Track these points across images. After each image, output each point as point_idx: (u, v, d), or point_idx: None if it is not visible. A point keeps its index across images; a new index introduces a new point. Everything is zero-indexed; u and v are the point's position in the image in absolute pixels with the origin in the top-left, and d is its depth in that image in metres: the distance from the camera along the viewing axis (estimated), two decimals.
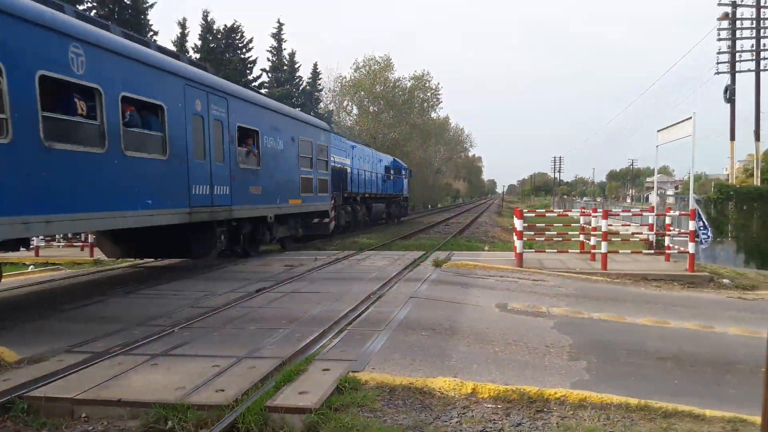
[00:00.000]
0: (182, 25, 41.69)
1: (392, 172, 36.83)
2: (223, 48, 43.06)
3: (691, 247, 11.93)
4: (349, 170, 26.27)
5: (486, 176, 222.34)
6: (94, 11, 29.80)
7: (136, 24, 30.72)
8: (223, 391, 4.79)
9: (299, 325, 7.19)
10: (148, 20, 33.15)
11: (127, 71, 9.24)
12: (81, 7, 28.54)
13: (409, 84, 71.49)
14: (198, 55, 40.95)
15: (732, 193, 21.98)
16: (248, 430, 4.16)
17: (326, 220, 20.13)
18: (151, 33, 33.04)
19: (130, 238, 11.70)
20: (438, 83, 75.46)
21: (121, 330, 7.07)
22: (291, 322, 7.35)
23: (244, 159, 13.45)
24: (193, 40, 42.42)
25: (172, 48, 39.81)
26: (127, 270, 13.41)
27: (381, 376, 5.23)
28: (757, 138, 32.09)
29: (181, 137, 10.71)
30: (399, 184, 38.12)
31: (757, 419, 4.18)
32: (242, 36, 44.39)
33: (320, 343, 6.36)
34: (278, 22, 51.84)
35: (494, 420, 4.48)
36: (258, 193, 14.05)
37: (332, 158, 21.49)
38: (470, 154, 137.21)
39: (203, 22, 42.43)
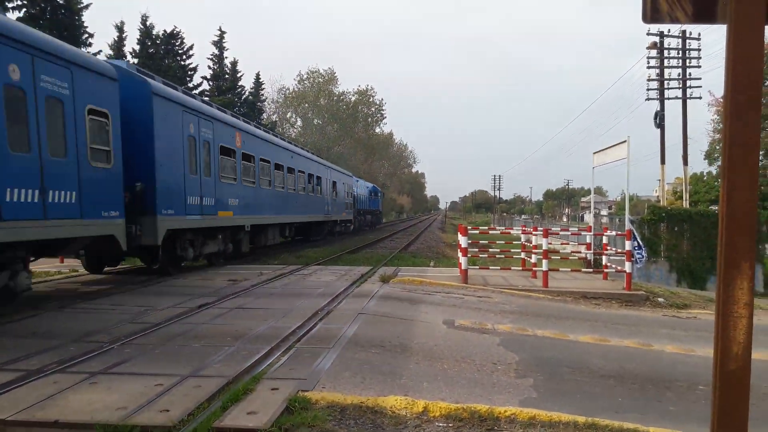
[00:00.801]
0: (120, 29, 40.48)
1: (373, 194, 53.52)
2: (162, 54, 41.99)
3: (627, 267, 12.39)
4: (356, 195, 42.97)
5: (429, 192, 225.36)
6: (24, 10, 28.50)
7: (70, 25, 29.48)
8: (167, 411, 4.61)
9: (245, 342, 7.03)
10: (83, 22, 31.94)
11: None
12: (10, 5, 27.35)
13: (353, 98, 71.93)
14: (136, 60, 39.84)
15: (664, 214, 22.99)
16: None
17: (350, 225, 39.47)
18: (86, 35, 31.84)
19: None
20: (382, 99, 76.16)
21: (56, 346, 6.72)
22: (237, 339, 7.17)
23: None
24: (131, 44, 41.29)
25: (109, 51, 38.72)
26: (60, 282, 12.80)
27: (331, 395, 5.16)
28: (685, 162, 33.80)
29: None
30: (376, 202, 56.11)
31: None
32: (182, 42, 43.42)
33: (268, 361, 6.23)
34: (219, 29, 51.11)
35: None
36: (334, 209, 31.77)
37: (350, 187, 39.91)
38: (414, 170, 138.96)
39: (142, 27, 41.28)
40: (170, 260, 13.99)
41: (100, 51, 34.53)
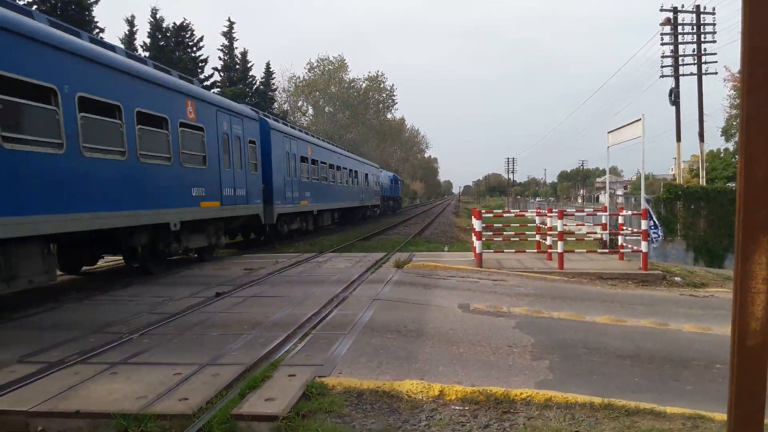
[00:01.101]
0: (130, 23, 40.62)
1: (394, 182, 60.43)
2: (173, 46, 42.08)
3: (644, 246, 12.28)
4: (381, 184, 49.91)
5: (442, 177, 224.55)
6: (35, 6, 28.65)
7: (80, 21, 29.64)
8: (186, 399, 4.67)
9: (262, 330, 7.08)
10: (93, 17, 32.09)
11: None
12: (21, 1, 27.48)
13: (364, 85, 71.66)
14: (147, 53, 39.96)
15: (680, 192, 22.71)
16: None
17: (377, 209, 46.11)
18: (97, 30, 31.98)
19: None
20: (392, 84, 75.90)
21: (76, 338, 6.83)
22: (253, 327, 7.23)
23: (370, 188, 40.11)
24: (142, 37, 41.47)
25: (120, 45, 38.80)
26: (78, 275, 12.97)
27: (348, 381, 5.19)
28: (701, 139, 33.31)
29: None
30: (397, 189, 63.52)
31: (716, 415, 4.33)
32: (192, 34, 43.46)
33: (285, 348, 6.28)
34: (229, 20, 51.05)
35: (462, 422, 4.50)
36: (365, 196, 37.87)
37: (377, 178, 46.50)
38: (426, 155, 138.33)
39: (152, 20, 41.37)
40: (274, 234, 20.53)
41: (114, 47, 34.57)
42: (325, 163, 27.19)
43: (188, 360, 5.81)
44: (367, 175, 40.13)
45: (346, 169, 32.58)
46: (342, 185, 31.42)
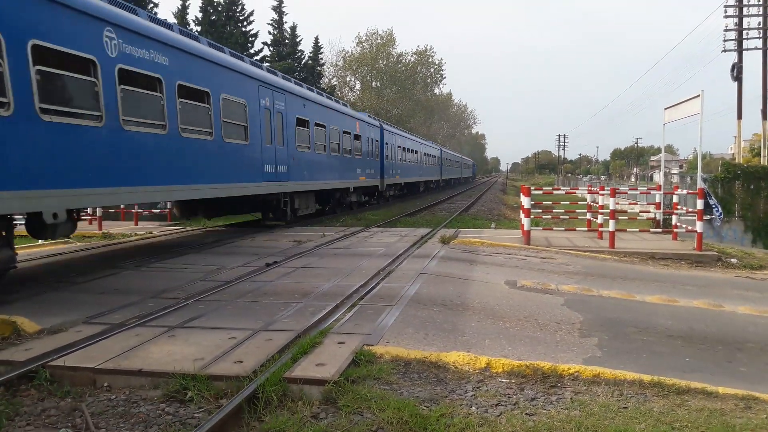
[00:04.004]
0: None
1: (465, 164, 75.56)
2: (224, 21, 42.62)
3: (698, 226, 11.93)
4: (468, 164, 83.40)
5: (489, 154, 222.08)
6: None
7: None
8: (241, 362, 4.87)
9: (312, 300, 7.26)
10: None
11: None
12: None
13: (411, 59, 71.03)
14: (199, 28, 40.57)
15: (739, 172, 21.86)
16: (268, 400, 4.24)
17: (459, 179, 73.25)
18: (152, 5, 32.62)
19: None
20: (441, 59, 74.99)
21: (135, 302, 7.15)
22: (303, 297, 7.42)
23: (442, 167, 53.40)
24: (194, 12, 42.09)
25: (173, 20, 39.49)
26: (136, 243, 13.49)
27: (396, 350, 5.30)
28: (764, 117, 31.88)
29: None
30: (474, 169, 79.97)
31: None
32: (243, 9, 43.92)
33: (334, 317, 6.44)
34: None
35: (509, 394, 4.55)
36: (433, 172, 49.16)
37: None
38: (474, 131, 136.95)
39: None
40: (383, 197, 29.98)
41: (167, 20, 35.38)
42: (415, 151, 38.61)
43: (242, 325, 6.02)
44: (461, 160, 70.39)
45: (434, 156, 48.65)
46: (426, 165, 43.96)
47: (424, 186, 44.23)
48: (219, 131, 12.16)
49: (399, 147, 33.11)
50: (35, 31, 7.33)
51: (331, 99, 22.72)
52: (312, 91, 19.92)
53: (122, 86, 9.04)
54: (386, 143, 29.05)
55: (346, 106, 24.79)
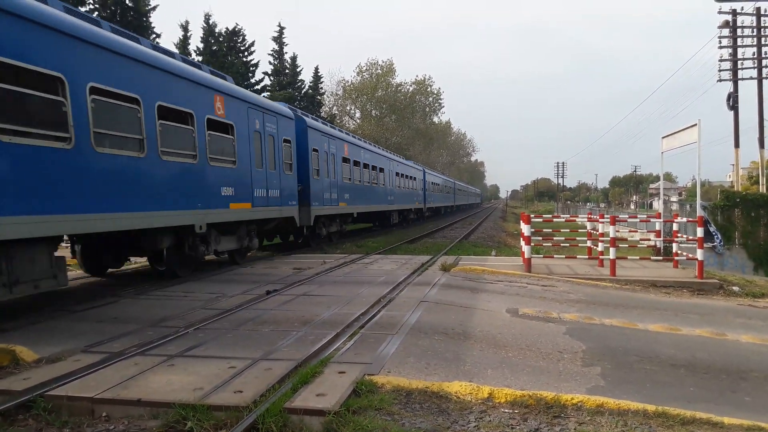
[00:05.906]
0: (185, 28, 41.79)
1: (477, 195, 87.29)
2: (225, 51, 43.15)
3: (699, 254, 11.92)
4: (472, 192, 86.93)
5: (488, 182, 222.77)
6: (96, 13, 29.85)
7: (139, 27, 30.70)
8: (241, 392, 4.82)
9: (312, 328, 7.22)
10: (151, 23, 33.20)
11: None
12: (83, 9, 28.65)
13: (410, 89, 71.69)
14: (200, 58, 41.05)
15: (738, 200, 21.90)
16: (268, 431, 4.19)
17: (463, 206, 76.50)
18: (154, 36, 33.07)
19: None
20: (439, 88, 75.80)
21: (135, 331, 7.11)
22: (304, 325, 7.38)
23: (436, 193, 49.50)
24: (195, 42, 42.65)
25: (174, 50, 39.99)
26: (133, 271, 13.44)
27: (397, 380, 5.25)
28: (762, 145, 32.06)
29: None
30: (480, 197, 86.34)
31: None
32: (244, 39, 44.48)
33: (334, 346, 6.39)
34: (279, 25, 52.41)
35: (512, 425, 4.49)
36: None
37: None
38: (473, 159, 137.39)
39: (205, 25, 42.56)
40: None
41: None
42: (438, 184, 38.89)
43: (242, 354, 5.98)
44: (462, 188, 73.07)
45: (452, 187, 52.66)
46: (447, 194, 47.60)
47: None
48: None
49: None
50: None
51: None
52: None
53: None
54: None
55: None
